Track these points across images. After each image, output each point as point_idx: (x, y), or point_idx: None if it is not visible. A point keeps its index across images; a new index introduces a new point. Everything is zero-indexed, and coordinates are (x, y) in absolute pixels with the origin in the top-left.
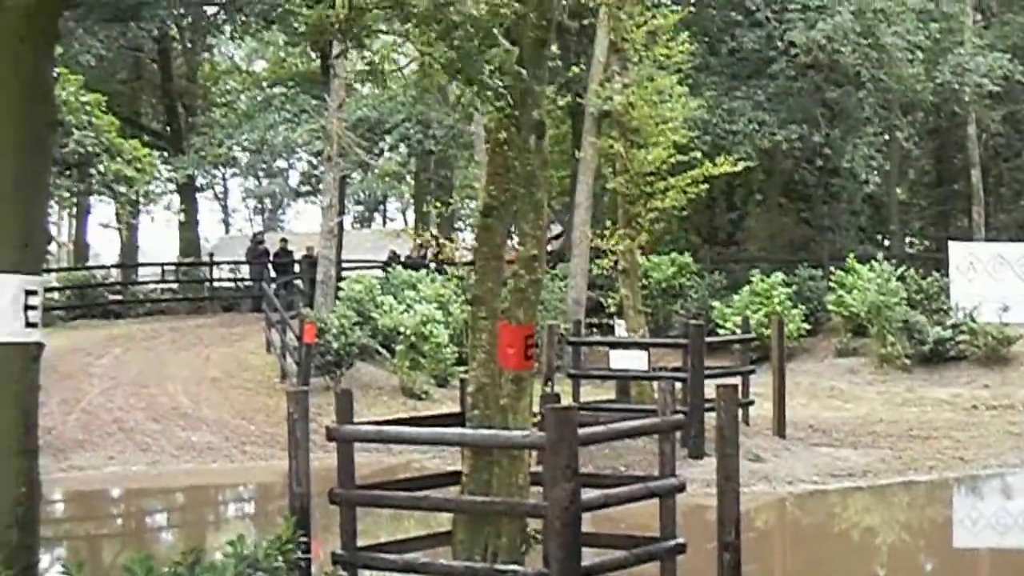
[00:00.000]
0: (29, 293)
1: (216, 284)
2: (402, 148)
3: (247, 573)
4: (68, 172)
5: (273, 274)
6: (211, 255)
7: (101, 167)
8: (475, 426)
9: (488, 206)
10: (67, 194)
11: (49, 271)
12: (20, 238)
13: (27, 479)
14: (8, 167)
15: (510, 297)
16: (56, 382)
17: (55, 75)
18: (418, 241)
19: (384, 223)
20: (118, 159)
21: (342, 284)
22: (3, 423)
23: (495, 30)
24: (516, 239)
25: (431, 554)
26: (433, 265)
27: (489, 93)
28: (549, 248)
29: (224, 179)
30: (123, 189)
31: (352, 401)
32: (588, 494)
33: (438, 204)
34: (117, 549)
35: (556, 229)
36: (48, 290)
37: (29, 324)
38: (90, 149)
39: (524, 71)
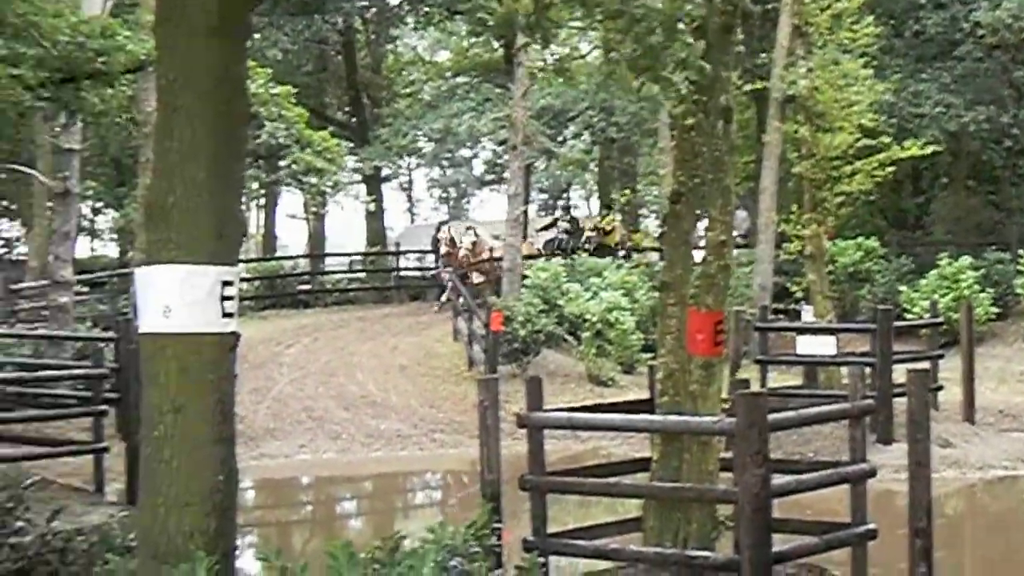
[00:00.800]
0: (225, 284)
1: (403, 273)
2: (586, 136)
3: (445, 558)
4: (258, 164)
5: None
6: (397, 244)
7: (291, 158)
8: (665, 412)
9: (676, 192)
10: (256, 185)
11: (239, 262)
12: (215, 229)
13: (224, 467)
14: (203, 160)
15: (699, 283)
16: (247, 371)
17: (246, 69)
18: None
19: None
20: (308, 150)
21: (528, 272)
22: (201, 412)
23: (679, 24)
24: (704, 224)
25: (620, 540)
26: (621, 252)
27: (671, 88)
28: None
29: (409, 169)
30: (313, 180)
31: (542, 388)
32: (778, 480)
33: (626, 192)
34: (308, 536)
35: (742, 215)
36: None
37: (226, 314)
38: (281, 141)
39: (707, 66)
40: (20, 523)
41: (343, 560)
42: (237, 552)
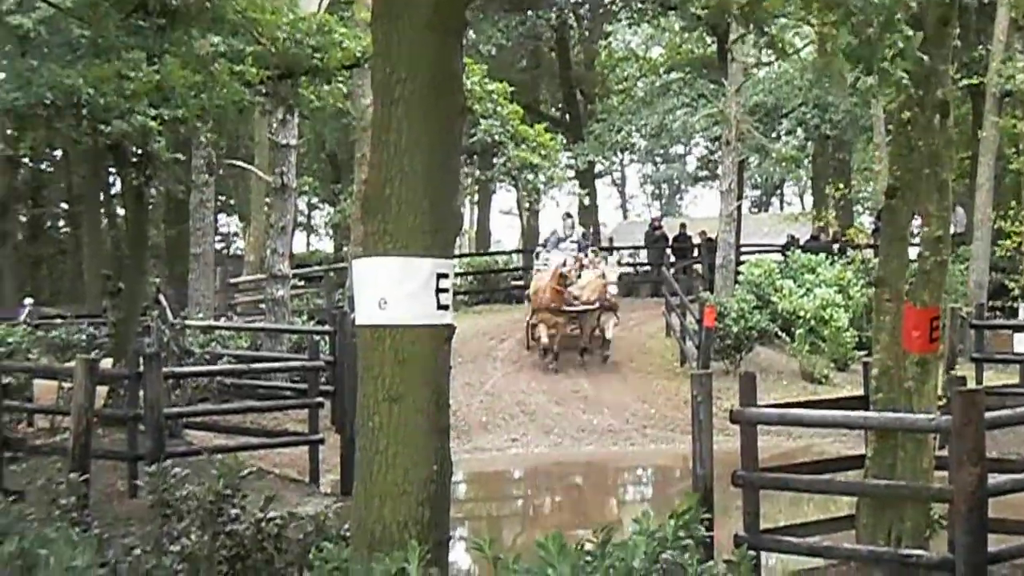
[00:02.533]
0: (440, 276)
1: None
2: (799, 132)
3: (656, 550)
4: (472, 160)
5: (672, 259)
6: (610, 240)
7: (506, 155)
8: (879, 409)
9: (892, 187)
10: (471, 182)
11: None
12: (431, 223)
13: (439, 457)
14: (419, 153)
15: (915, 279)
16: (461, 366)
17: (463, 63)
18: (819, 223)
19: (781, 207)
20: (523, 146)
21: (741, 268)
22: (417, 402)
23: (897, 15)
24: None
25: (833, 538)
26: (836, 247)
27: (890, 80)
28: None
29: (622, 165)
30: (529, 176)
31: (756, 384)
32: (995, 479)
33: (839, 186)
34: (519, 529)
35: (959, 212)
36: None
37: (441, 306)
38: (496, 138)
39: (925, 56)
40: (236, 511)
41: (554, 550)
42: (450, 543)
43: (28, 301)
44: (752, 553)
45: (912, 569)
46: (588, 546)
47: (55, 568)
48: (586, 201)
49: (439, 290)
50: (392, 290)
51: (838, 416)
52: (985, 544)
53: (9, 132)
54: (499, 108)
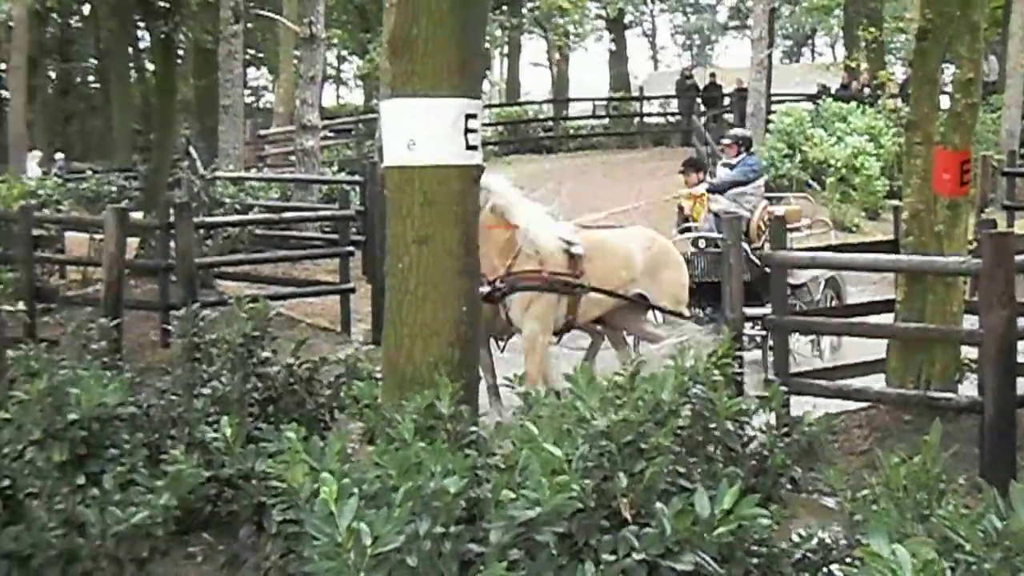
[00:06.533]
0: (469, 116)
1: (646, 119)
2: None
3: (687, 384)
4: (501, 10)
5: (702, 108)
6: (641, 90)
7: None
8: (909, 252)
9: (923, 29)
10: (500, 32)
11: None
12: (459, 62)
13: (468, 299)
14: None
15: (946, 122)
16: None
17: None
18: (849, 70)
19: (813, 58)
20: None
21: (772, 117)
22: (446, 244)
23: None
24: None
25: (862, 382)
26: (866, 91)
27: None
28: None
29: (652, 15)
30: (560, 20)
31: (785, 229)
32: None
33: (870, 30)
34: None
35: (991, 61)
36: (483, 125)
37: (470, 147)
38: None
39: None
40: (267, 353)
41: (583, 383)
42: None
43: (59, 156)
44: (784, 388)
45: (941, 412)
46: (618, 379)
47: (85, 405)
48: (613, 47)
49: (467, 130)
50: (420, 131)
51: (868, 259)
52: (1014, 387)
53: None
54: None
